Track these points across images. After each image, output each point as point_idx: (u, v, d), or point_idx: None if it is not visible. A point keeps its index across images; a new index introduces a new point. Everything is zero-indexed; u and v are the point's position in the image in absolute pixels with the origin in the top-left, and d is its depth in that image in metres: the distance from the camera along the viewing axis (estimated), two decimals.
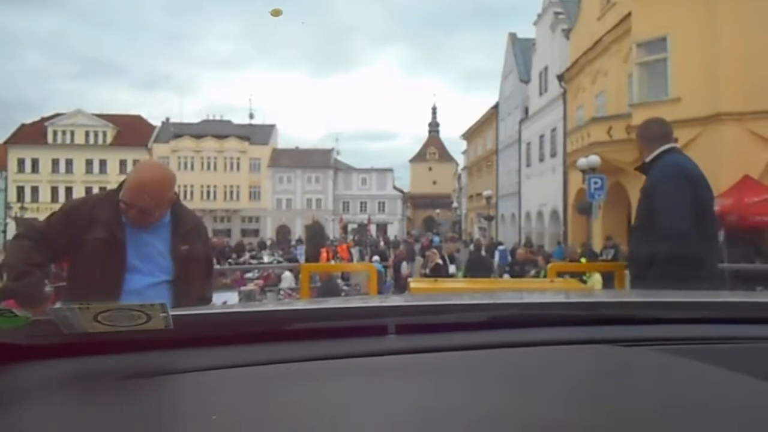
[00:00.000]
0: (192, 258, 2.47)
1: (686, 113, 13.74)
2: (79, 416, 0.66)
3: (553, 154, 26.03)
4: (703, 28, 13.77)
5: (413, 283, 4.08)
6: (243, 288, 10.67)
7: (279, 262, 19.39)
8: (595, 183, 13.89)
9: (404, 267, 14.35)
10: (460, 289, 4.61)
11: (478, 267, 15.15)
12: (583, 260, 10.94)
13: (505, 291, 3.99)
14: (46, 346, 0.79)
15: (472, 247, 25.36)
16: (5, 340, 0.78)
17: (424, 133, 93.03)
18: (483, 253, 15.81)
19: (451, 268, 14.65)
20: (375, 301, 1.52)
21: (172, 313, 0.76)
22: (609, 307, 1.17)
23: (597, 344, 0.91)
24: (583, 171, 15.14)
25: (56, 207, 2.64)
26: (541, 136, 28.02)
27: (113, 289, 2.22)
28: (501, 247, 20.95)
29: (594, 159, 14.74)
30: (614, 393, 0.72)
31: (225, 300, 8.59)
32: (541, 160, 28.14)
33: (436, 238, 33.60)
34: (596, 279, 9.45)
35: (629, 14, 16.30)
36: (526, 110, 31.32)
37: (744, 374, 0.76)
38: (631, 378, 0.79)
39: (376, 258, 18.63)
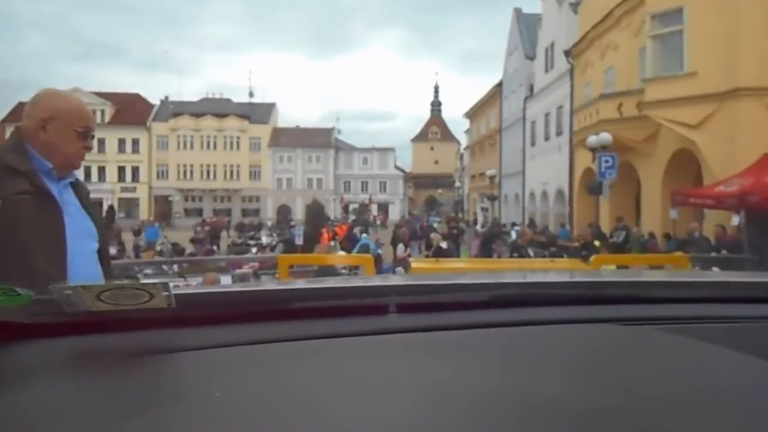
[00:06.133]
0: (109, 227, 1.95)
1: (703, 88, 13.16)
2: (82, 394, 0.66)
3: (559, 133, 25.48)
4: None
5: (414, 263, 4.08)
6: (237, 271, 10.26)
7: (277, 243, 18.94)
8: (606, 162, 13.32)
9: (401, 249, 13.84)
10: (461, 269, 4.52)
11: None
12: (596, 243, 10.44)
13: (507, 271, 3.87)
14: (49, 325, 0.79)
15: (479, 227, 25.03)
16: (8, 319, 0.77)
17: (423, 114, 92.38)
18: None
19: (443, 244, 14.24)
20: (376, 281, 1.51)
21: (174, 292, 0.75)
22: (611, 286, 1.17)
23: (599, 323, 0.91)
24: (593, 149, 14.55)
25: None
26: (547, 114, 27.42)
27: (58, 257, 1.68)
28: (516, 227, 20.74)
29: (605, 137, 14.12)
30: (616, 371, 0.72)
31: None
32: (547, 138, 27.59)
33: (432, 218, 33.26)
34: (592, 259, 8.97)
35: None
36: (531, 88, 30.74)
37: (745, 353, 0.75)
38: (633, 356, 0.79)
39: (364, 235, 18.15)
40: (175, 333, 0.82)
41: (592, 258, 4.14)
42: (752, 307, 1.03)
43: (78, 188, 1.89)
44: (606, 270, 5.06)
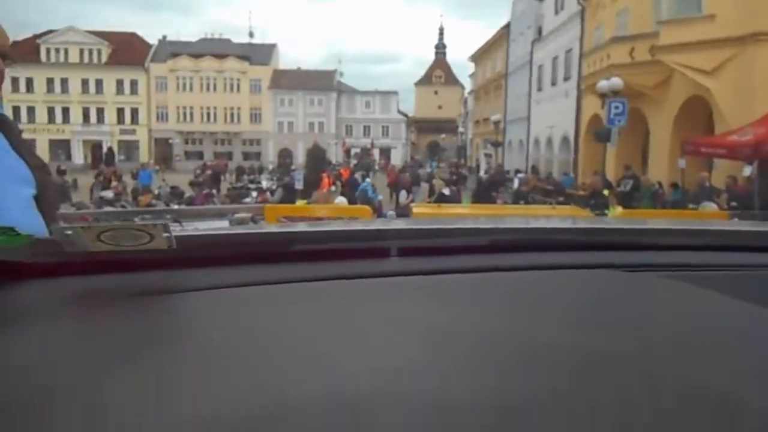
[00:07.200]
0: (47, 170, 1.65)
1: (721, 32, 12.62)
2: (81, 334, 0.67)
3: (567, 78, 24.85)
4: None
5: (416, 208, 4.04)
6: (235, 216, 10.05)
7: (276, 187, 18.68)
8: (616, 108, 12.88)
9: (403, 196, 13.62)
10: (463, 214, 4.45)
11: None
12: (606, 192, 10.17)
13: (509, 216, 3.82)
14: (48, 265, 0.79)
15: (483, 173, 24.74)
16: (7, 258, 0.77)
17: (427, 57, 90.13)
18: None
19: (446, 191, 13.99)
20: (377, 224, 1.53)
21: (174, 234, 0.74)
22: (611, 233, 1.16)
23: (599, 269, 0.92)
24: (603, 95, 14.09)
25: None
26: (555, 58, 26.69)
27: None
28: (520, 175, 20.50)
29: (616, 82, 13.62)
30: (615, 317, 0.73)
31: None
32: (554, 83, 26.94)
33: (434, 163, 33.02)
34: (618, 212, 8.75)
35: None
36: (540, 30, 29.81)
37: (750, 302, 0.76)
38: (634, 302, 0.80)
39: (367, 180, 17.82)
40: (175, 274, 0.83)
41: (612, 211, 3.96)
42: (758, 255, 1.02)
43: (5, 126, 1.57)
44: (608, 217, 4.98)
